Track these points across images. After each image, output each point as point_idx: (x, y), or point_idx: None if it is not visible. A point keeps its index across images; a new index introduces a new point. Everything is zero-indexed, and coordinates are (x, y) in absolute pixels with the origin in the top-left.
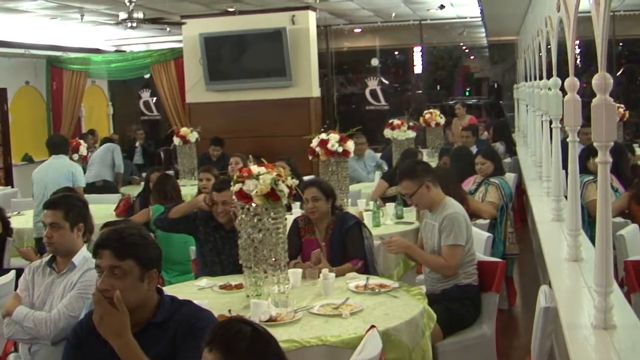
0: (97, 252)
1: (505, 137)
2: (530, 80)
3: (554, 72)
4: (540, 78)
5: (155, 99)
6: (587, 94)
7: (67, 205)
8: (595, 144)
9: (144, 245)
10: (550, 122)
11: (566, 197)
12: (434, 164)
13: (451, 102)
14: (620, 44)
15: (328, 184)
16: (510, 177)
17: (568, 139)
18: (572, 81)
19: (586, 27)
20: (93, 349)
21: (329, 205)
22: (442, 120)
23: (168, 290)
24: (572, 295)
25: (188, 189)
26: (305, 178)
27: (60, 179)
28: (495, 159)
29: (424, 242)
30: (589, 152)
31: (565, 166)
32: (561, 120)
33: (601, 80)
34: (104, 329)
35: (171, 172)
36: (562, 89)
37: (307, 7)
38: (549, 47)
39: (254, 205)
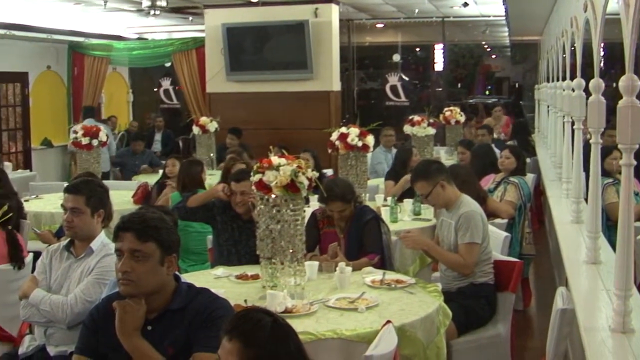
0: (118, 235)
1: (522, 137)
2: (553, 81)
3: (578, 73)
4: (563, 79)
5: (175, 87)
6: (607, 96)
7: (89, 190)
8: (620, 147)
9: (165, 229)
10: (573, 124)
11: (586, 199)
12: (452, 161)
13: (471, 101)
14: None
15: (348, 188)
16: (529, 177)
17: (591, 141)
18: (597, 82)
19: (609, 29)
20: (108, 334)
21: (352, 206)
22: (462, 118)
23: (184, 278)
24: (590, 297)
25: (206, 178)
26: (325, 171)
27: None
28: (520, 158)
29: (440, 240)
30: (604, 151)
31: (586, 168)
32: (583, 122)
33: (628, 81)
34: (125, 325)
35: None
36: (585, 90)
37: (330, 1)
38: (573, 47)
39: (273, 196)
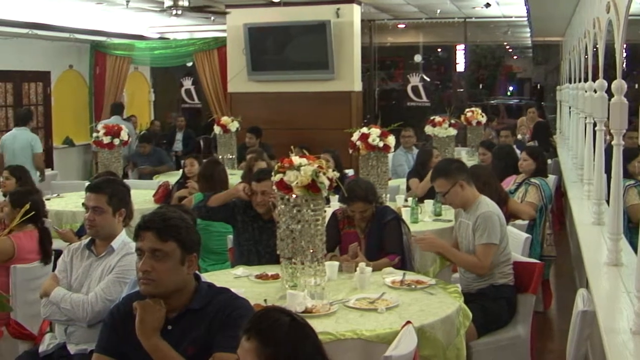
0: (139, 234)
1: (542, 138)
2: (575, 82)
3: (601, 74)
4: (585, 80)
5: (196, 87)
6: (629, 98)
7: (111, 189)
8: None
9: (185, 228)
10: (594, 125)
11: (607, 201)
12: (473, 162)
13: (492, 102)
14: None
15: (370, 189)
16: (550, 179)
17: (613, 142)
18: (619, 83)
19: (632, 30)
20: (129, 333)
21: (374, 207)
22: (484, 119)
23: (205, 277)
24: (611, 299)
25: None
26: (346, 171)
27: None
28: (538, 159)
29: (459, 242)
30: (629, 154)
31: (607, 169)
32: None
33: None
34: (145, 325)
35: None
36: (607, 91)
37: (352, 1)
38: (595, 49)
39: (294, 196)
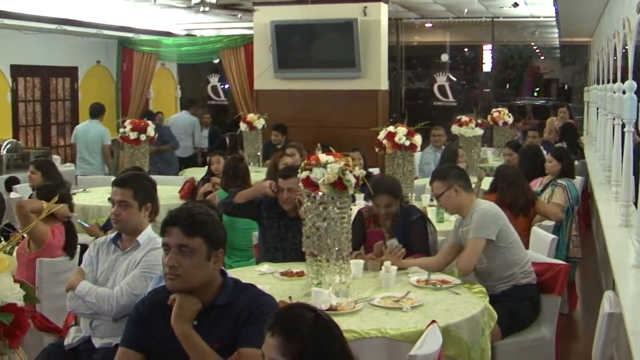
0: (166, 230)
1: (571, 139)
2: (603, 83)
3: (630, 75)
4: (614, 81)
5: (223, 84)
6: None
7: (137, 184)
8: None
9: (212, 224)
10: (622, 126)
11: (635, 203)
12: (500, 162)
13: (519, 102)
14: None
15: (396, 184)
16: (577, 180)
17: None
18: None
19: None
20: (154, 327)
21: (398, 204)
22: (511, 120)
23: (229, 273)
24: (638, 301)
25: (252, 175)
26: (371, 170)
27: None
28: (563, 160)
29: None
30: None
31: (635, 171)
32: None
33: None
34: (183, 311)
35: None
36: (636, 92)
37: None
38: (624, 49)
39: (320, 193)
